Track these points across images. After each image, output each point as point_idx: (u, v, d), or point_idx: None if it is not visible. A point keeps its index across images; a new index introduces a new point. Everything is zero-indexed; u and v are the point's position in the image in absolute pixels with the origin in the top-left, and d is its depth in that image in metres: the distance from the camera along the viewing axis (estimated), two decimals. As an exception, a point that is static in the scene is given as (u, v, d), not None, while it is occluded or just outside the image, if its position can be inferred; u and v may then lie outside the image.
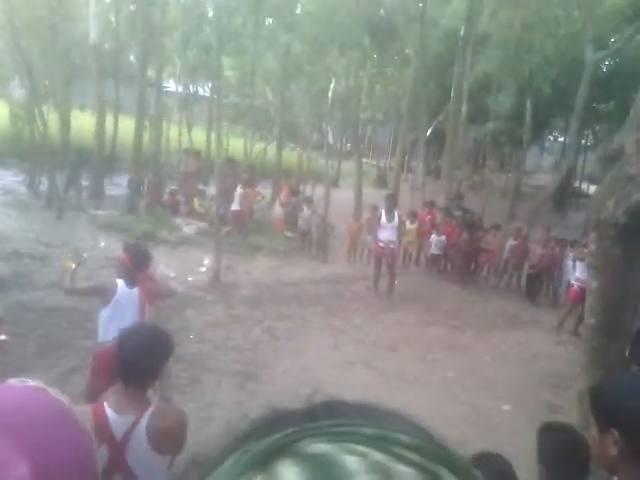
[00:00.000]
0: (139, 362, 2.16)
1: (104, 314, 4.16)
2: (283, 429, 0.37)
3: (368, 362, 6.77)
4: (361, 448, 0.34)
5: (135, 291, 4.19)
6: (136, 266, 4.26)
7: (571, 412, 4.20)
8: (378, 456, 0.34)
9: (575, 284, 8.75)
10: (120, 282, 4.19)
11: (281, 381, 5.97)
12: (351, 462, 0.33)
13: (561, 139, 27.81)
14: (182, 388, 5.40)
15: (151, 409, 2.16)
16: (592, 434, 1.51)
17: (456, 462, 0.36)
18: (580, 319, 8.30)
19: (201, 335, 7.03)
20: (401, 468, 0.33)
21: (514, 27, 13.64)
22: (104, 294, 4.19)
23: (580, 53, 13.74)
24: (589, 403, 1.55)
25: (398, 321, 8.50)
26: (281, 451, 0.35)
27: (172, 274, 9.07)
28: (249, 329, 7.50)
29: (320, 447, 0.35)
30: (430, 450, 0.36)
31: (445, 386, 6.38)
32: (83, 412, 2.15)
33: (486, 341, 8.18)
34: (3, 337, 5.59)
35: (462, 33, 14.37)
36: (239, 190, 12.56)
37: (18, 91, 14.97)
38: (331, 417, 0.39)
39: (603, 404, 1.50)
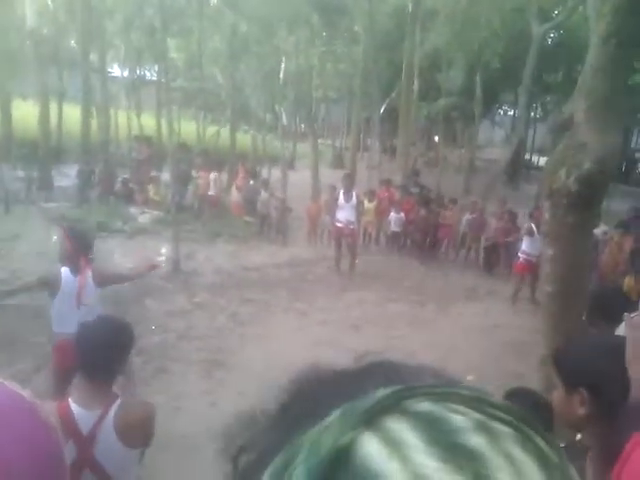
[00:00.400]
0: (101, 355, 2.10)
1: (54, 305, 4.04)
2: (340, 387, 0.40)
3: (333, 341, 6.78)
4: (461, 407, 0.36)
5: (76, 279, 4.04)
6: (78, 251, 4.06)
7: (533, 378, 4.34)
8: (477, 415, 0.36)
9: (521, 257, 8.98)
10: (64, 270, 4.03)
11: (248, 366, 5.93)
12: (458, 420, 0.35)
13: (511, 112, 28.38)
14: (146, 380, 5.31)
15: (117, 402, 2.12)
16: (557, 396, 1.58)
17: (534, 423, 0.38)
18: (533, 288, 8.62)
19: (164, 325, 6.92)
20: (500, 427, 0.36)
21: (461, 2, 13.73)
22: (51, 285, 4.04)
23: (526, 26, 13.96)
24: (555, 365, 1.63)
25: (361, 300, 8.57)
26: (388, 409, 0.35)
27: (129, 265, 8.86)
28: (213, 316, 7.43)
29: (425, 405, 0.36)
30: (514, 410, 0.38)
31: (410, 360, 6.47)
32: (47, 408, 2.08)
33: (447, 314, 8.35)
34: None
35: (410, 9, 14.37)
36: (212, 175, 12.52)
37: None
38: (385, 376, 0.41)
39: (570, 364, 1.56)
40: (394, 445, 0.34)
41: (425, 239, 11.54)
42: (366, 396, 0.37)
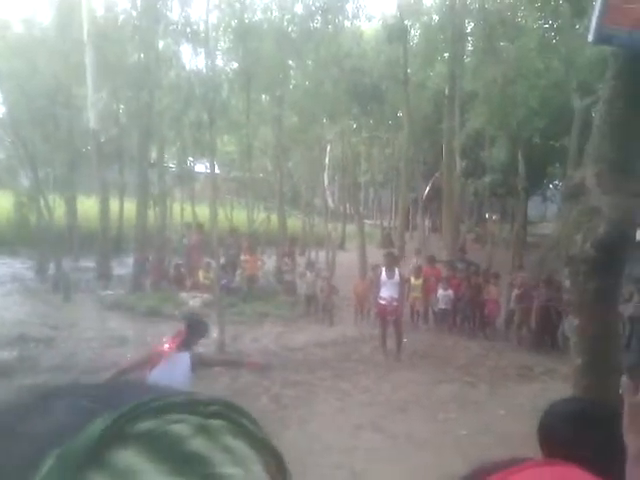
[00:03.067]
0: None
1: (152, 376, 4.29)
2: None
3: (376, 425, 6.57)
4: (179, 416, 0.37)
5: (186, 355, 4.47)
6: (193, 335, 4.62)
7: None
8: (194, 418, 0.37)
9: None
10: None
11: (287, 450, 5.77)
12: (177, 430, 0.36)
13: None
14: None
15: None
16: None
17: (240, 408, 0.42)
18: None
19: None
20: (215, 422, 0.38)
21: (497, 82, 14.07)
22: (154, 361, 4.40)
23: (568, 101, 14.03)
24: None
25: (407, 380, 8.30)
26: (110, 440, 0.34)
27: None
28: (256, 398, 7.35)
29: (146, 425, 0.36)
30: (223, 402, 0.41)
31: (457, 445, 6.13)
32: None
33: (500, 395, 7.94)
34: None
35: (447, 92, 14.83)
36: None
37: (24, 180, 15.54)
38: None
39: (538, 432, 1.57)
40: (124, 478, 0.33)
41: (473, 316, 11.24)
42: (84, 431, 0.34)
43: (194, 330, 4.61)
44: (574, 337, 3.34)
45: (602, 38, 2.86)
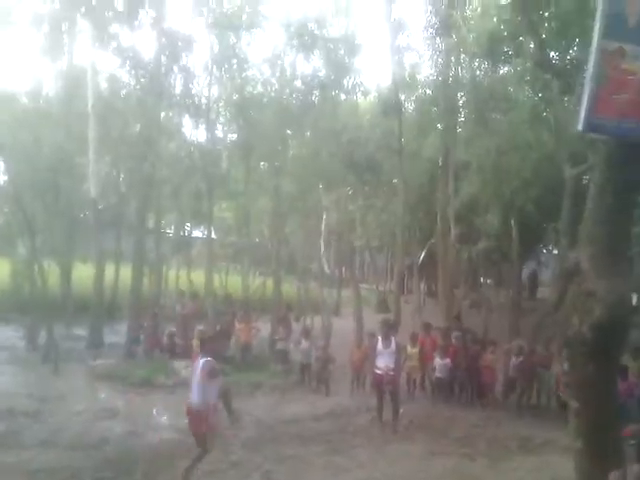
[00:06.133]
0: None
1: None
2: None
3: (374, 502, 6.33)
4: None
5: (204, 359, 6.51)
6: (206, 347, 6.85)
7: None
8: None
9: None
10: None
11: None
12: None
13: (556, 252, 28.13)
14: None
15: None
16: None
17: None
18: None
19: (195, 487, 6.63)
20: None
21: (490, 153, 14.43)
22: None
23: (559, 170, 14.32)
24: None
25: (404, 453, 8.04)
26: None
27: (165, 419, 8.82)
28: (247, 475, 7.10)
29: None
30: None
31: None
32: None
33: (500, 470, 7.68)
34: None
35: (441, 162, 15.18)
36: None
37: (21, 248, 15.58)
38: None
39: None
40: None
41: (470, 385, 11.05)
42: None
43: (206, 344, 6.96)
44: (573, 421, 3.29)
45: (591, 127, 2.99)
